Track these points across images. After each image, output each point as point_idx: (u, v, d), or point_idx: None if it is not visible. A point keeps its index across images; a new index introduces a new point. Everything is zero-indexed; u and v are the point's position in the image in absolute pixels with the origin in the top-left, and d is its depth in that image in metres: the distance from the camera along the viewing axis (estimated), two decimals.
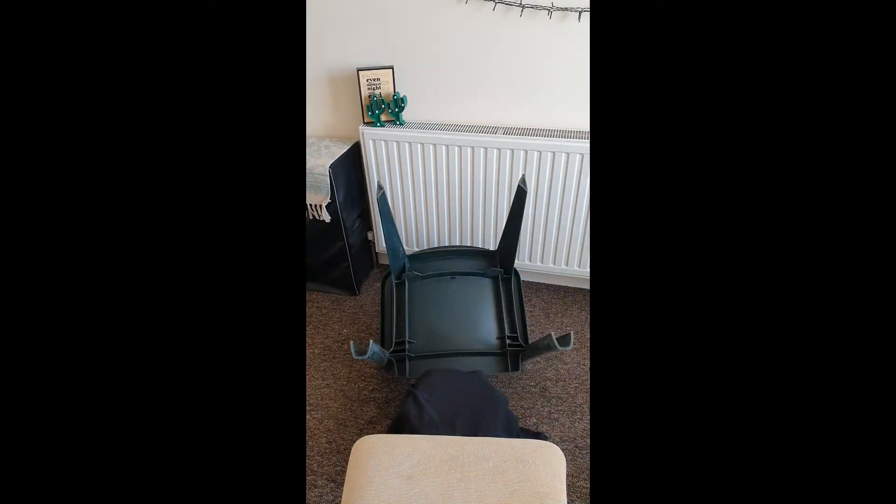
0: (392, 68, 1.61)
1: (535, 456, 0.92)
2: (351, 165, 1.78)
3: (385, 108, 1.65)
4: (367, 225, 1.98)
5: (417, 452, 0.93)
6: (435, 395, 1.30)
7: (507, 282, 1.65)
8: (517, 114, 1.64)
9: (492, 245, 1.82)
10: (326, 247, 1.82)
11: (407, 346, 1.57)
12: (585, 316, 1.82)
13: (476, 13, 1.50)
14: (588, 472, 1.32)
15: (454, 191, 1.73)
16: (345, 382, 1.59)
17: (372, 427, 1.46)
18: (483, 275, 1.66)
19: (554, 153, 1.56)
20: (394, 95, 1.62)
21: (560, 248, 1.75)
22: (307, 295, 1.95)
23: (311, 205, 1.70)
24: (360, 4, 1.56)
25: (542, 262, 1.80)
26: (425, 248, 1.88)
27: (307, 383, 1.59)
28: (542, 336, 1.62)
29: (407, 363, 1.56)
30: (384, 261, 2.09)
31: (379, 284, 1.97)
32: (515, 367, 1.53)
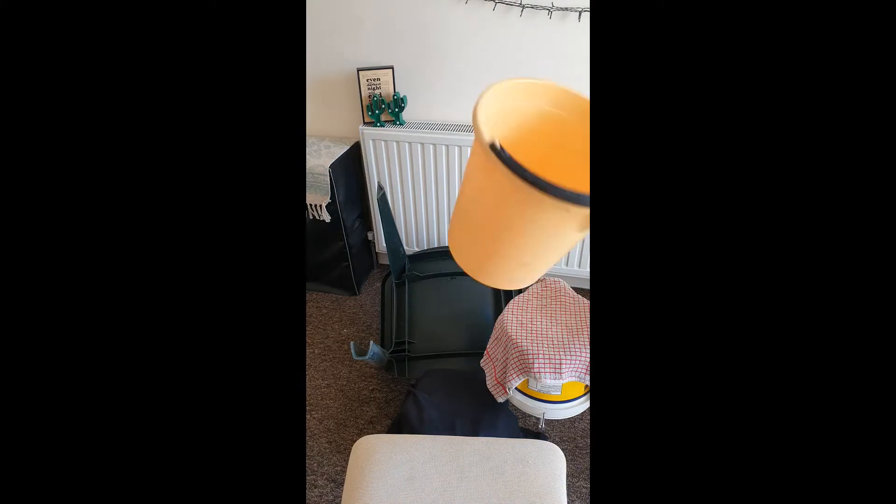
0: (392, 68, 1.61)
1: (535, 456, 0.92)
2: (351, 165, 1.78)
3: (385, 108, 1.65)
4: (367, 225, 1.98)
5: (417, 452, 0.93)
6: (435, 396, 1.30)
7: None
8: None
9: None
10: (326, 247, 1.82)
11: (407, 346, 1.57)
12: None
13: (476, 13, 1.50)
14: (588, 472, 1.32)
15: (454, 191, 1.73)
16: (345, 382, 1.59)
17: (372, 427, 1.46)
18: None
19: None
20: (394, 95, 1.62)
21: None
22: (307, 295, 1.95)
23: (311, 205, 1.70)
24: (360, 4, 1.56)
25: None
26: (425, 248, 1.88)
27: (307, 383, 1.59)
28: None
29: (407, 363, 1.56)
30: (384, 261, 2.09)
31: (379, 284, 1.97)
32: None
